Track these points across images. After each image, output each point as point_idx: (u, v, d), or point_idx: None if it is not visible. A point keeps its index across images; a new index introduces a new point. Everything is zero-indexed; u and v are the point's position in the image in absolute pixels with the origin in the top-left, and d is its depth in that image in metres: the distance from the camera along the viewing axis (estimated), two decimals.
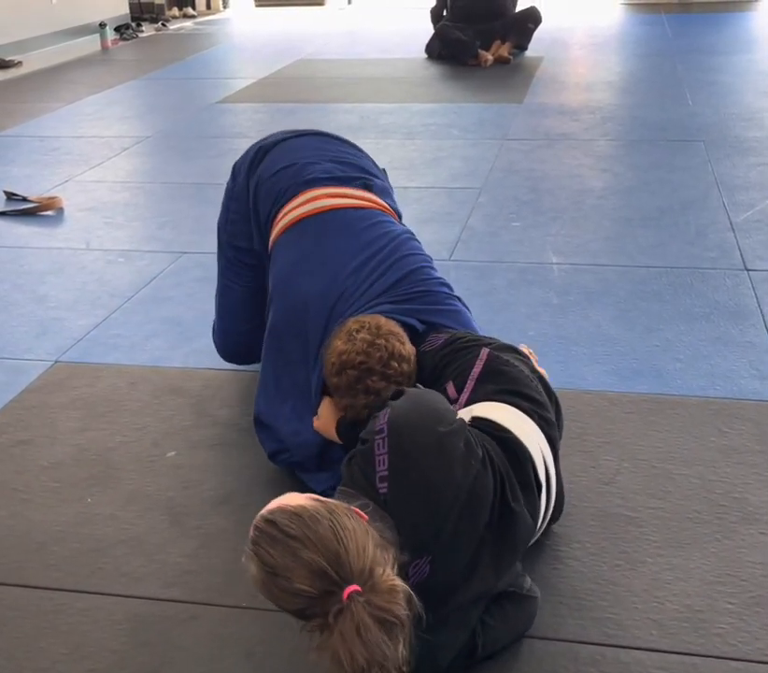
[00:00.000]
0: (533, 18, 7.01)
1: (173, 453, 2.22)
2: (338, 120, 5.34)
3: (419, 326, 1.96)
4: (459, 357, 1.81)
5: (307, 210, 2.13)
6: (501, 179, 4.16)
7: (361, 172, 2.26)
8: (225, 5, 10.83)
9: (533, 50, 7.14)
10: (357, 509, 1.38)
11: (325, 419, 1.94)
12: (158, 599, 1.77)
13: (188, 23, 9.79)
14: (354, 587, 1.25)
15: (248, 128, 5.31)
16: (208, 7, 10.61)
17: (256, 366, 2.62)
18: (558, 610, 1.69)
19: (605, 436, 2.20)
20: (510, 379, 1.73)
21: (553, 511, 1.76)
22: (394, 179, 4.35)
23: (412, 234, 2.17)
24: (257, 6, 10.92)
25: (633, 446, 2.16)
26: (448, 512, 1.46)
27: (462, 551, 1.48)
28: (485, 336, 1.92)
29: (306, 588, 1.26)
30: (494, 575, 1.52)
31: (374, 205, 2.18)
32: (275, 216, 2.18)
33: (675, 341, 2.64)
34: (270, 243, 2.19)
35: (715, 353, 2.57)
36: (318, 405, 1.98)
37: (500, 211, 3.76)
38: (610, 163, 4.39)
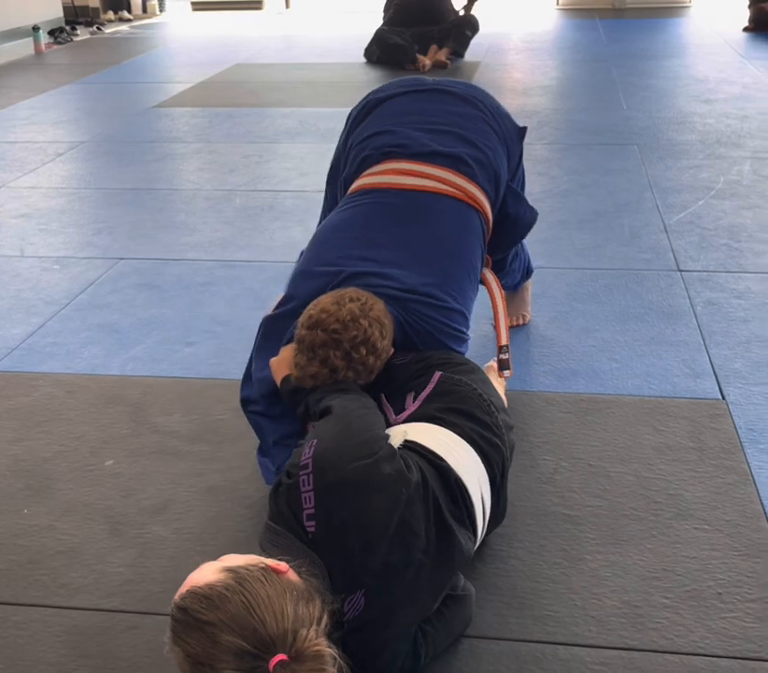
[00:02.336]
0: (470, 25, 7.07)
1: (111, 462, 2.20)
2: (276, 124, 5.33)
3: (410, 331, 1.90)
4: (425, 373, 1.78)
5: (372, 183, 2.04)
6: None
7: (459, 145, 2.05)
8: (161, 8, 10.74)
9: (470, 55, 7.20)
10: (273, 564, 1.33)
11: (278, 363, 1.91)
12: (97, 610, 1.74)
13: (123, 27, 9.69)
14: (279, 657, 1.20)
15: (186, 132, 5.27)
16: (144, 10, 10.51)
17: (195, 373, 2.61)
18: (499, 609, 1.70)
19: (544, 436, 2.23)
20: (459, 398, 1.70)
21: (497, 517, 1.76)
22: None
23: (466, 231, 2.01)
24: (194, 10, 10.85)
25: (571, 445, 2.19)
26: (379, 545, 1.42)
27: (397, 580, 1.44)
28: (458, 357, 1.89)
29: (232, 671, 1.22)
30: (433, 598, 1.51)
31: (447, 189, 2.01)
32: (351, 181, 2.13)
33: (611, 341, 2.69)
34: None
35: (649, 353, 2.61)
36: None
37: None
38: (547, 166, 4.45)
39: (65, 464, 2.19)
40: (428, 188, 2.01)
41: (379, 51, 6.94)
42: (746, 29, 7.70)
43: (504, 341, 2.20)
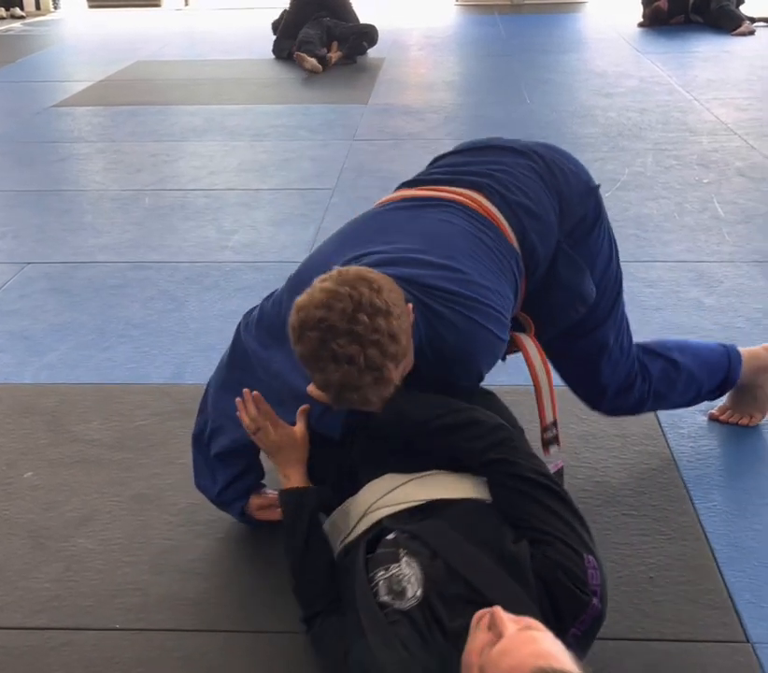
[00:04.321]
0: (369, 37, 7.05)
1: (30, 474, 2.12)
2: (182, 122, 5.24)
3: (446, 314, 1.56)
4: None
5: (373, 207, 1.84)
6: (352, 180, 4.17)
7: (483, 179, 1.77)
8: (56, 5, 10.43)
9: (374, 51, 7.18)
10: None
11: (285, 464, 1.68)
12: (24, 628, 1.68)
13: (16, 24, 9.38)
14: None
15: (89, 132, 5.14)
16: (38, 7, 10.19)
17: (113, 379, 2.55)
18: None
19: None
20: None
21: None
22: (245, 182, 4.40)
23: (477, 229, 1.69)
24: (90, 6, 10.57)
25: None
26: None
27: None
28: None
29: None
30: None
31: (452, 197, 1.73)
32: None
33: None
34: None
35: None
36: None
37: (354, 212, 3.66)
38: None
39: None
40: (430, 195, 1.75)
41: (288, 45, 6.82)
42: (640, 24, 7.88)
43: (548, 420, 1.83)
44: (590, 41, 7.90)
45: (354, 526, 1.61)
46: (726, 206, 3.73)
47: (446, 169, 1.83)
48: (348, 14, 7.19)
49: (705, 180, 4.05)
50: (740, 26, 7.37)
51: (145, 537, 1.92)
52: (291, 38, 6.88)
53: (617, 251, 1.90)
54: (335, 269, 1.48)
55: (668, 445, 2.16)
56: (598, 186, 1.88)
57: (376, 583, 1.44)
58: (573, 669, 1.18)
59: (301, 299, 1.45)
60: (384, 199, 1.84)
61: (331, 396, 1.48)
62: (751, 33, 7.36)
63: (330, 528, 1.63)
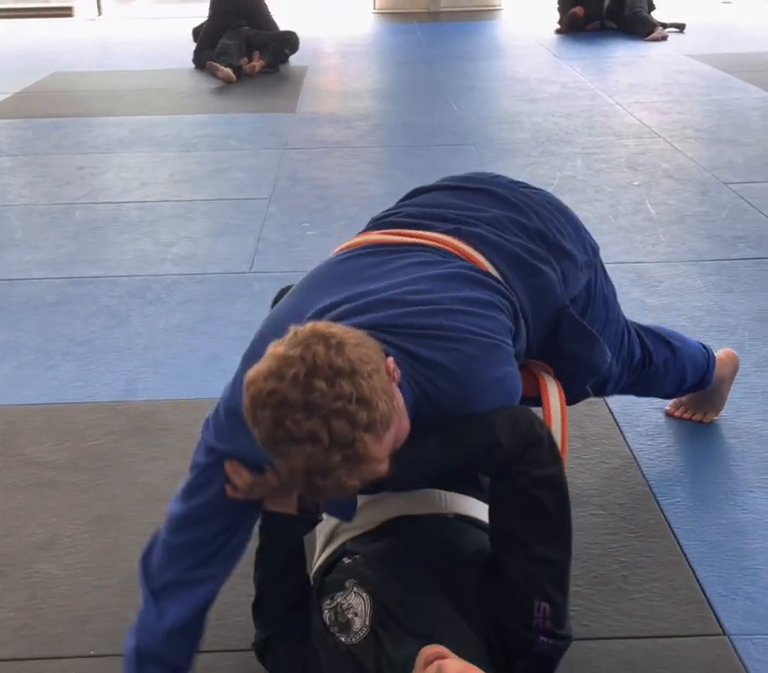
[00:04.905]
0: (290, 44, 7.02)
1: None
2: (107, 133, 5.14)
3: (429, 355, 1.31)
4: None
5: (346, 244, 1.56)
6: (287, 189, 4.15)
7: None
8: None
9: (297, 59, 7.16)
10: None
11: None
12: None
13: None
14: None
15: (10, 146, 5.00)
16: None
17: (61, 398, 2.48)
18: None
19: None
20: None
21: None
22: (178, 193, 4.34)
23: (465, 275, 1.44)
24: (0, 17, 10.32)
25: None
26: None
27: None
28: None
29: None
30: None
31: (425, 242, 1.49)
32: None
33: None
34: None
35: None
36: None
37: (292, 221, 3.75)
38: (389, 169, 4.49)
39: None
40: (400, 241, 1.50)
41: (207, 55, 6.75)
42: (558, 31, 8.03)
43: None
44: (508, 48, 8.01)
45: (323, 549, 1.59)
46: (658, 207, 3.82)
47: (423, 211, 1.57)
48: (267, 23, 7.17)
49: (636, 183, 4.14)
50: (653, 32, 7.56)
51: (111, 560, 1.87)
52: (210, 48, 6.83)
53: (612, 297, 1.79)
54: (291, 329, 1.22)
55: (627, 444, 2.19)
56: (596, 250, 1.70)
57: (322, 612, 1.40)
58: None
59: (250, 372, 1.20)
60: (345, 245, 1.56)
61: (300, 486, 1.22)
62: (664, 38, 7.56)
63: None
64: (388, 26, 9.34)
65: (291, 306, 1.45)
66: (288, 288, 1.61)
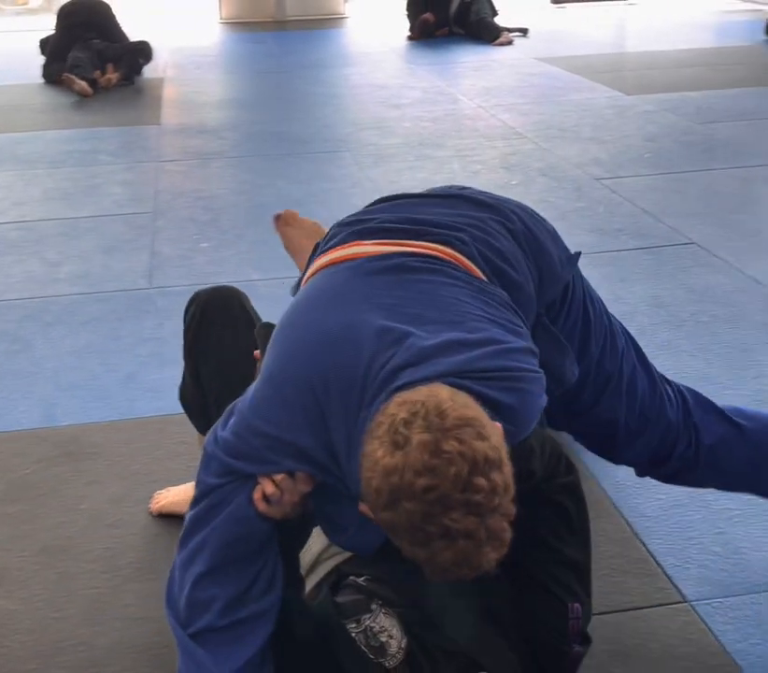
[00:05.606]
0: (144, 54, 6.88)
1: None
2: None
3: (504, 398, 1.25)
4: None
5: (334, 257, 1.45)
6: (171, 202, 4.08)
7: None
8: None
9: (152, 71, 7.03)
10: None
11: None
12: None
13: None
14: None
15: None
16: None
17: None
18: None
19: None
20: None
21: None
22: (56, 211, 4.19)
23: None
24: None
25: None
26: None
27: None
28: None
29: None
30: None
31: (416, 250, 1.42)
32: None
33: None
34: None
35: None
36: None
37: (183, 234, 3.70)
38: (270, 178, 4.48)
39: None
40: (401, 252, 1.42)
41: (60, 69, 6.54)
42: (409, 38, 8.18)
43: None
44: (362, 55, 8.10)
45: (309, 571, 1.55)
46: (539, 205, 3.90)
47: (404, 217, 1.49)
48: (117, 34, 7.00)
49: (513, 182, 4.28)
50: (499, 37, 7.81)
51: (68, 590, 1.81)
52: (60, 62, 6.61)
53: (604, 318, 1.67)
54: (424, 405, 1.12)
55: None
56: (578, 253, 1.66)
57: (351, 635, 1.34)
58: None
59: (386, 456, 1.09)
60: (326, 261, 1.44)
61: (430, 572, 1.14)
62: (510, 42, 7.82)
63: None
64: (236, 35, 9.28)
65: (341, 322, 1.30)
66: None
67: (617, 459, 1.78)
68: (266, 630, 1.30)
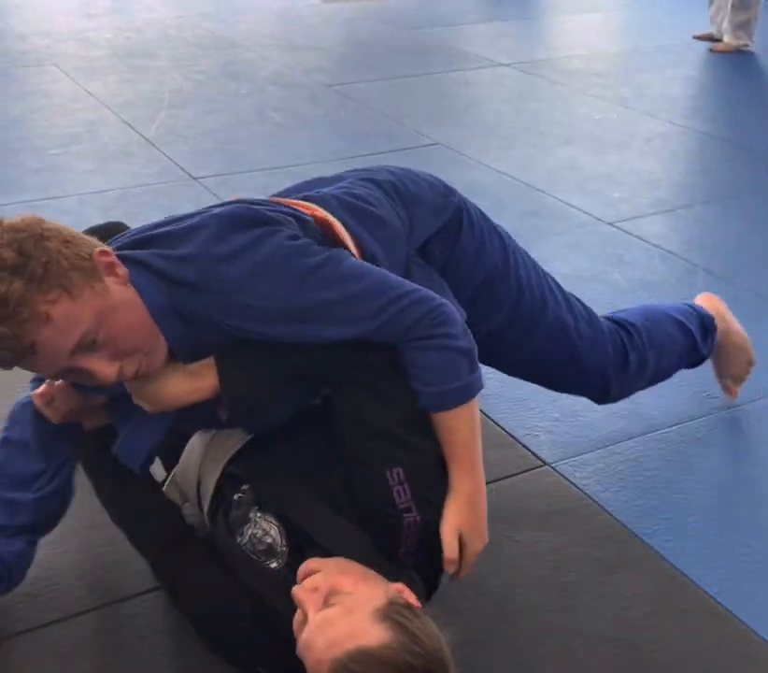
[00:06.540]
0: None
1: None
2: None
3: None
4: None
5: None
6: None
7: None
8: None
9: None
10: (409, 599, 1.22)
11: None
12: None
13: None
14: None
15: None
16: None
17: None
18: None
19: None
20: None
21: None
22: None
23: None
24: None
25: None
26: None
27: None
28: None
29: None
30: None
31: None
32: None
33: None
34: None
35: None
36: None
37: None
38: None
39: None
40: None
41: None
42: None
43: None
44: None
45: (199, 482, 1.52)
46: (279, 113, 3.90)
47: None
48: None
49: (243, 92, 4.17)
50: None
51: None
52: None
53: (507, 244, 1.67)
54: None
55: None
56: (457, 201, 1.64)
57: (241, 548, 1.37)
58: (371, 642, 1.12)
59: None
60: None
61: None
62: None
63: (170, 487, 1.55)
64: None
65: None
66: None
67: (587, 373, 1.75)
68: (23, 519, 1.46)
